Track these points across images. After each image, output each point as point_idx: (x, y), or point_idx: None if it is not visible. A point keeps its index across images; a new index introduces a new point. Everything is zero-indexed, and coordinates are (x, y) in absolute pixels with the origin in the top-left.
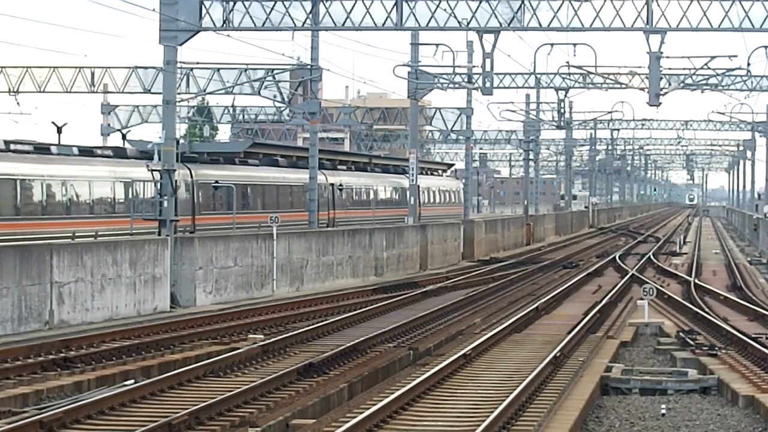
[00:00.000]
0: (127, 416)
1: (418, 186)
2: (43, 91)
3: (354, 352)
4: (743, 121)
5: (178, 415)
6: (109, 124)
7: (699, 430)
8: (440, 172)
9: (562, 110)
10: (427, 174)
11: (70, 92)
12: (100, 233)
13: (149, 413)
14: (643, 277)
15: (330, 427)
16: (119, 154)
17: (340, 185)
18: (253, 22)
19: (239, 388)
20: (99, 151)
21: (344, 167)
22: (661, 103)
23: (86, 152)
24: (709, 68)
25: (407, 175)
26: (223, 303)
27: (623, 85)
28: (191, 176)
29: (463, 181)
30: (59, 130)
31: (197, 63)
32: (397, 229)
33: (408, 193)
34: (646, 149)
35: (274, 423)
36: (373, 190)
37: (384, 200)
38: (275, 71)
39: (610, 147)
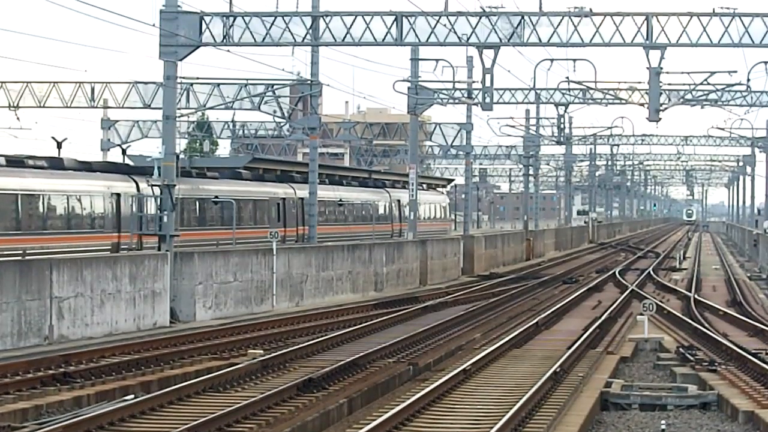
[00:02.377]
0: (127, 431)
1: (399, 201)
2: (43, 106)
3: (354, 367)
4: (743, 137)
5: (177, 430)
6: (109, 139)
7: None
8: (425, 186)
9: (562, 125)
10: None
11: (70, 107)
12: (29, 251)
13: (149, 428)
14: (642, 293)
15: None
16: (55, 165)
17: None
18: (253, 37)
19: (239, 403)
20: (31, 162)
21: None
22: (660, 119)
23: (16, 163)
24: (708, 84)
25: (387, 189)
26: (223, 318)
27: (623, 101)
28: (137, 189)
29: (463, 195)
30: (59, 145)
31: (197, 78)
32: (397, 244)
33: (408, 207)
34: (646, 164)
35: None
36: (346, 205)
37: (360, 216)
38: (275, 86)
39: (609, 162)
